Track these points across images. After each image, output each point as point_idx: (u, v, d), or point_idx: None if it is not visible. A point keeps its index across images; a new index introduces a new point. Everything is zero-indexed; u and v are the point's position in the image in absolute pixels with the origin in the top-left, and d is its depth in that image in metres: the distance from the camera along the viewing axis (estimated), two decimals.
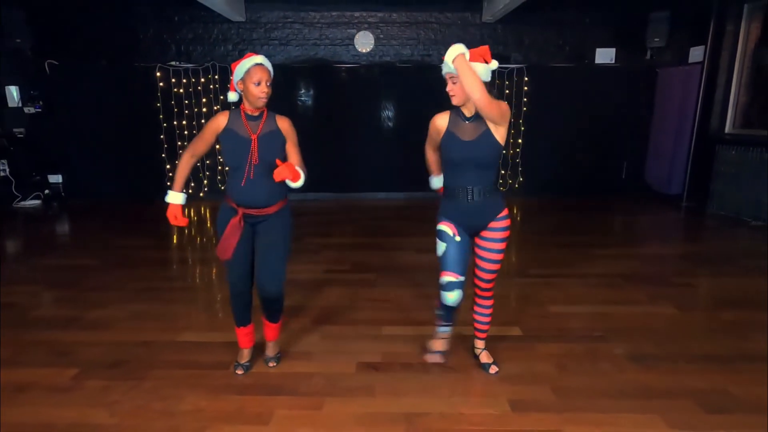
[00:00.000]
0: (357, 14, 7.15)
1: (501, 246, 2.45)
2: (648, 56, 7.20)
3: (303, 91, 7.24)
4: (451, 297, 2.43)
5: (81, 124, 7.07)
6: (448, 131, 2.37)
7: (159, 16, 7.04)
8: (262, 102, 2.30)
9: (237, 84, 2.33)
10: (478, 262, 2.49)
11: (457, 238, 2.40)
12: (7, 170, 7.00)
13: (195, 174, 7.30)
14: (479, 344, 2.75)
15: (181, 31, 7.14)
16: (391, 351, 2.87)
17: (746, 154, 5.84)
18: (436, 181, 2.63)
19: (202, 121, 7.10)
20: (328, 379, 2.59)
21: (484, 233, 2.44)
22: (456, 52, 2.14)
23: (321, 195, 7.31)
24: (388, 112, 7.34)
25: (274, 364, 2.72)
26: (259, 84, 2.26)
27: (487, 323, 2.67)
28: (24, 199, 7.07)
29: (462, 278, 2.41)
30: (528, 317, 3.33)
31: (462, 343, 2.95)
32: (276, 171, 2.26)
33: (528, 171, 7.48)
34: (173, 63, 7.05)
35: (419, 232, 5.39)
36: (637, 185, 7.56)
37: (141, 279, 4.10)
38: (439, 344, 2.74)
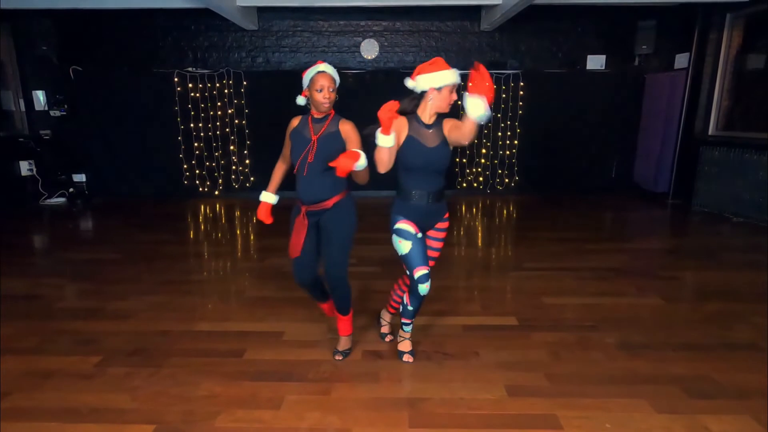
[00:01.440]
0: (363, 23, 7.13)
1: (443, 240, 2.55)
2: (636, 63, 7.18)
3: None
4: (426, 287, 2.37)
5: (103, 127, 7.06)
6: (410, 137, 2.31)
7: (177, 25, 7.03)
8: (324, 107, 2.32)
9: (305, 91, 2.35)
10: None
11: (419, 235, 2.41)
12: (34, 170, 7.04)
13: (210, 173, 7.30)
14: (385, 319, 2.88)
15: (197, 39, 7.14)
16: (394, 340, 2.86)
17: (728, 155, 5.81)
18: (389, 140, 2.16)
19: (218, 123, 7.11)
20: (335, 366, 2.59)
21: (431, 233, 2.50)
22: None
23: None
24: None
25: (341, 358, 2.65)
26: (321, 90, 2.28)
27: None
28: (50, 197, 7.11)
29: (429, 268, 2.43)
30: (523, 308, 3.32)
31: (460, 332, 2.94)
32: (338, 169, 2.16)
33: (523, 170, 7.45)
34: (190, 69, 7.04)
35: None
36: (626, 184, 7.52)
37: (160, 272, 4.10)
38: (408, 344, 2.69)
